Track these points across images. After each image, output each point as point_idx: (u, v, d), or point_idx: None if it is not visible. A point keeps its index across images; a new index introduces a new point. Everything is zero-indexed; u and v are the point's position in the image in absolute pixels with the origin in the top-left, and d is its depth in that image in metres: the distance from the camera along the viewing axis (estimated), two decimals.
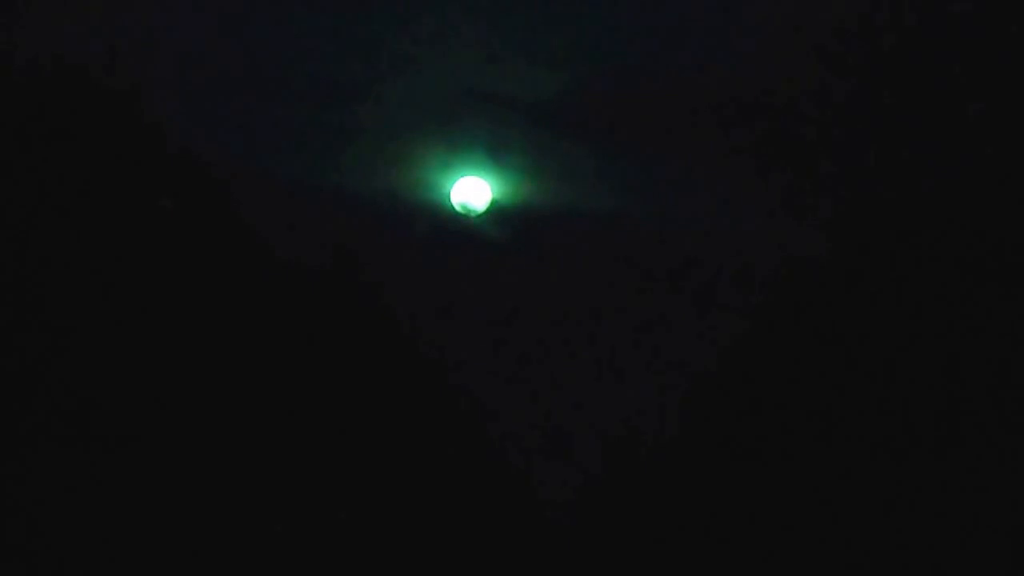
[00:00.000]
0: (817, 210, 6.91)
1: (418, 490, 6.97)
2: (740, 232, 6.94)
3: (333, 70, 6.74)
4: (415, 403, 7.04)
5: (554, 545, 6.97)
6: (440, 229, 6.98)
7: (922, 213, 6.89)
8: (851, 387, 7.06)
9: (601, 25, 6.61)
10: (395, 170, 6.87)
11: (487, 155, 6.84)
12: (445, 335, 7.07)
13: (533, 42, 6.67)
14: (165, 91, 6.81)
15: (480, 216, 6.93)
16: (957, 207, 6.85)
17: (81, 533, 6.66)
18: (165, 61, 6.77)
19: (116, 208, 6.88)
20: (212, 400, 6.86)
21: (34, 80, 6.77)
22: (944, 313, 6.98)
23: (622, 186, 6.90)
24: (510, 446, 7.04)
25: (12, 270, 6.78)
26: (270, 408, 6.90)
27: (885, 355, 7.04)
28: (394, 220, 6.94)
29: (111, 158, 6.87)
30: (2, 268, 6.76)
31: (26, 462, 6.67)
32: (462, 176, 6.89)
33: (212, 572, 6.72)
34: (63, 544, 6.63)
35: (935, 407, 7.01)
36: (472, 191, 6.90)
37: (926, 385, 7.01)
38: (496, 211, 6.93)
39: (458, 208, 6.93)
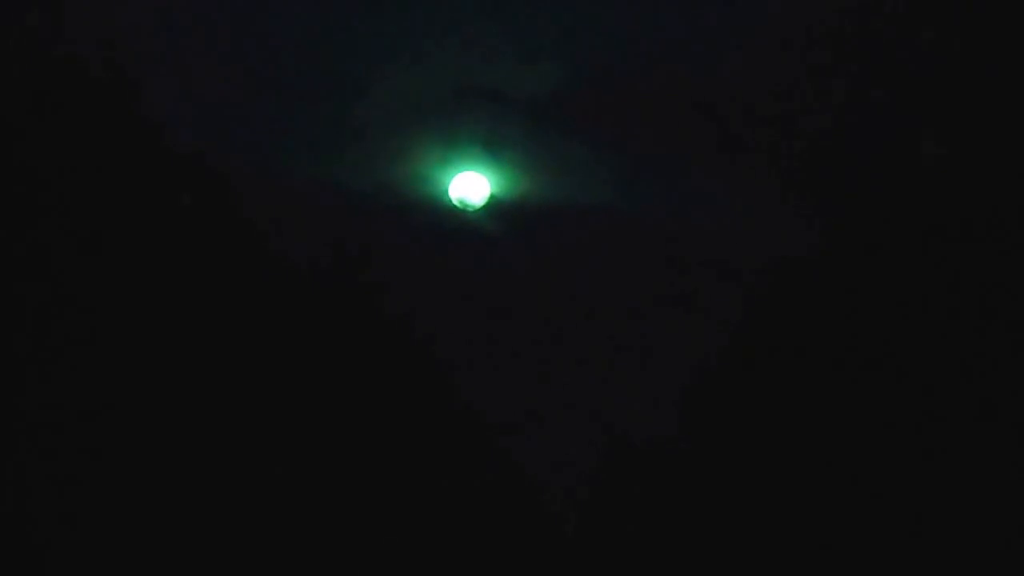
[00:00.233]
0: (815, 206, 6.91)
1: (410, 482, 7.03)
2: (737, 227, 6.96)
3: (330, 66, 6.69)
4: (412, 396, 7.10)
5: (550, 539, 7.06)
6: (438, 224, 6.99)
7: (921, 210, 6.89)
8: (850, 384, 7.10)
9: (598, 21, 6.55)
10: (393, 165, 6.86)
11: (485, 150, 6.82)
12: (443, 329, 7.12)
13: (531, 38, 6.61)
14: (163, 87, 6.76)
15: (478, 211, 6.94)
16: (956, 204, 6.85)
17: (81, 533, 6.72)
18: (163, 57, 6.72)
19: (114, 205, 6.87)
20: (210, 393, 6.91)
21: (32, 76, 6.73)
22: (943, 310, 7.00)
23: (619, 181, 6.90)
24: (505, 439, 7.11)
25: (11, 267, 6.79)
26: (268, 400, 6.95)
27: (884, 351, 7.08)
28: (392, 215, 6.94)
29: (109, 155, 6.84)
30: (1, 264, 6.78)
31: (26, 462, 6.71)
32: (460, 171, 6.88)
33: (212, 572, 6.78)
34: (63, 544, 6.68)
35: (934, 405, 7.05)
36: (470, 186, 6.90)
37: (926, 382, 7.05)
38: (494, 206, 6.93)
39: (456, 203, 6.93)
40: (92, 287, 6.82)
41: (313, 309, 7.01)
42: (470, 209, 6.93)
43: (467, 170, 6.88)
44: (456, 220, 6.97)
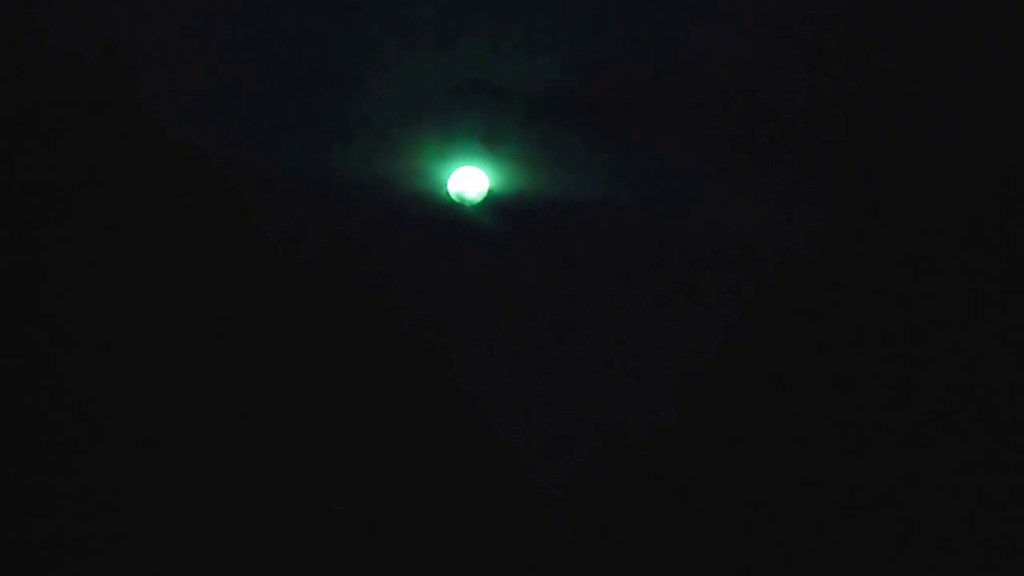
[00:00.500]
0: (814, 200, 6.99)
1: (406, 477, 6.58)
2: (735, 221, 6.98)
3: (330, 61, 6.91)
4: (410, 391, 6.76)
5: (547, 535, 6.57)
6: (436, 218, 6.95)
7: (920, 205, 6.99)
8: (850, 380, 6.92)
9: (597, 15, 6.89)
10: (391, 160, 6.92)
11: (483, 145, 6.93)
12: (440, 323, 6.89)
13: (529, 33, 6.92)
14: (160, 81, 6.90)
15: (476, 205, 6.94)
16: (955, 201, 6.97)
17: (81, 533, 6.20)
18: (161, 53, 6.91)
19: (112, 200, 6.80)
20: (206, 387, 6.56)
21: (30, 72, 6.85)
22: (942, 307, 6.97)
23: (616, 176, 6.98)
24: (503, 434, 6.73)
25: (10, 263, 6.62)
26: (265, 394, 6.61)
27: (885, 347, 6.96)
28: (390, 209, 6.91)
29: (107, 150, 6.86)
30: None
31: (26, 461, 6.28)
32: (458, 166, 6.94)
33: (212, 572, 6.21)
34: (63, 544, 6.15)
35: (934, 403, 6.87)
36: (468, 180, 6.94)
37: (926, 379, 6.90)
38: (492, 200, 6.94)
39: (454, 197, 6.94)
40: (89, 279, 6.61)
41: (310, 303, 6.80)
42: (468, 203, 6.93)
43: (465, 165, 6.94)
44: (454, 214, 6.95)
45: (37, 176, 6.72)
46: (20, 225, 6.65)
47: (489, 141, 6.93)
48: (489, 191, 6.94)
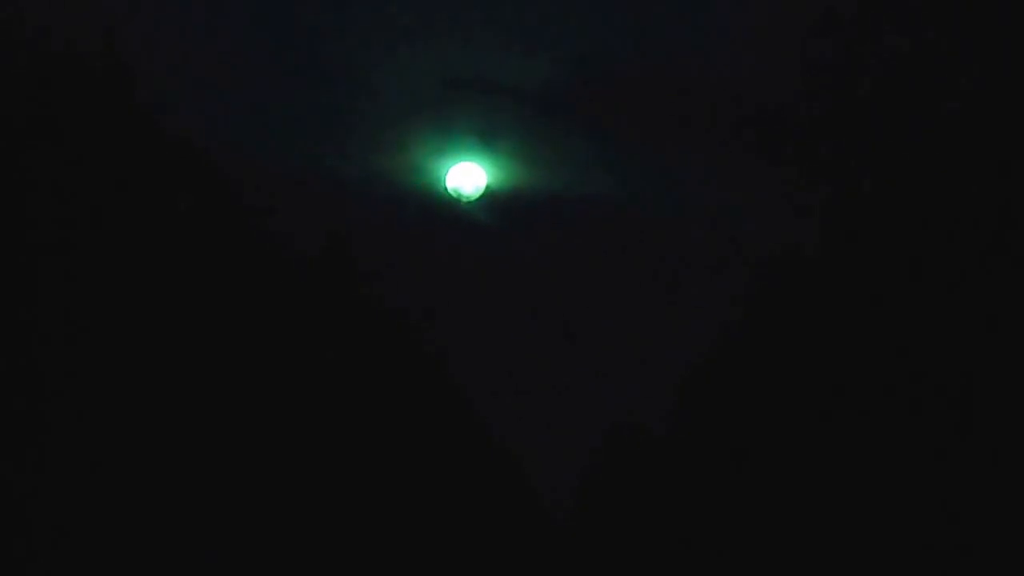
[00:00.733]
0: (813, 198, 6.98)
1: (403, 473, 6.87)
2: (733, 219, 7.01)
3: (327, 56, 6.80)
4: (406, 387, 6.99)
5: (543, 531, 6.89)
6: (433, 214, 7.00)
7: (918, 204, 6.97)
8: (847, 378, 7.06)
9: (594, 12, 6.72)
10: (389, 155, 6.91)
11: (480, 141, 6.90)
12: (436, 319, 7.06)
13: (527, 29, 6.77)
14: (157, 76, 6.83)
15: (473, 201, 6.97)
16: (955, 200, 6.93)
17: (81, 533, 6.50)
18: (158, 46, 6.80)
19: (109, 195, 6.85)
20: (201, 380, 6.77)
21: (29, 70, 6.79)
22: (942, 305, 7.02)
23: (614, 172, 6.98)
24: (499, 429, 6.98)
25: (9, 263, 6.72)
26: (261, 388, 6.82)
27: (882, 345, 7.06)
28: (387, 205, 6.96)
29: (103, 144, 6.86)
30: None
31: (25, 461, 6.54)
32: (455, 162, 6.93)
33: (211, 572, 6.56)
34: (63, 544, 6.46)
35: (933, 401, 7.00)
36: (465, 176, 6.95)
37: (924, 378, 7.02)
38: (489, 196, 6.97)
39: (451, 193, 6.96)
40: (87, 274, 6.73)
41: (307, 298, 6.95)
42: (465, 199, 6.96)
43: (462, 161, 6.93)
44: (451, 210, 6.99)
45: (36, 175, 6.75)
46: (19, 224, 6.72)
47: (486, 137, 6.89)
48: (487, 187, 6.96)
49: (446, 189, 6.97)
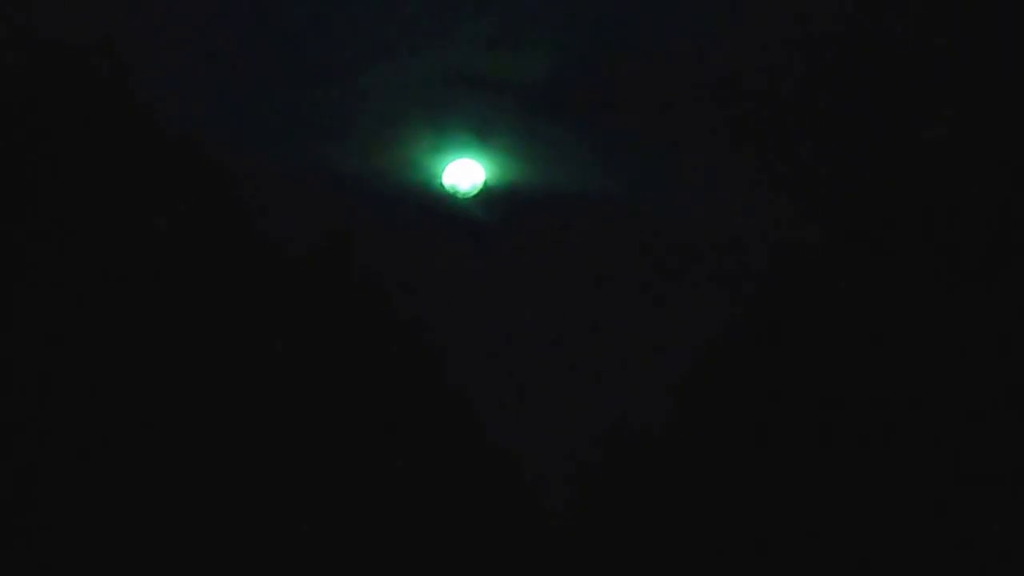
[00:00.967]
0: (812, 195, 6.93)
1: (399, 472, 6.85)
2: (732, 216, 6.96)
3: (322, 53, 6.75)
4: (404, 386, 6.96)
5: (541, 530, 6.87)
6: (430, 211, 6.96)
7: (919, 201, 6.91)
8: (848, 378, 7.02)
9: (591, 7, 6.66)
10: (384, 152, 6.87)
11: (477, 137, 6.85)
12: (433, 317, 7.02)
13: (524, 24, 6.71)
14: (153, 74, 6.78)
15: (470, 198, 6.92)
16: (955, 198, 6.88)
17: (81, 533, 6.49)
18: (154, 45, 6.76)
19: (108, 195, 6.82)
20: (198, 380, 6.76)
21: (27, 67, 6.75)
22: (941, 303, 6.97)
23: (612, 169, 6.93)
24: (495, 428, 6.96)
25: (9, 262, 6.71)
26: (257, 387, 6.81)
27: (883, 345, 7.02)
28: (383, 202, 6.91)
29: (101, 143, 6.82)
30: None
31: (25, 461, 6.54)
32: (452, 158, 6.89)
33: (211, 572, 6.56)
34: (63, 544, 6.46)
35: (933, 401, 6.97)
36: (462, 173, 6.90)
37: (924, 377, 6.98)
38: (486, 193, 6.92)
39: (448, 190, 6.92)
40: (87, 280, 6.71)
41: (302, 297, 6.91)
42: (462, 196, 6.92)
43: (459, 157, 6.88)
44: (448, 207, 6.94)
45: (35, 175, 6.72)
46: (19, 223, 6.71)
47: (483, 134, 6.85)
48: (484, 184, 6.91)
49: (443, 186, 6.92)
